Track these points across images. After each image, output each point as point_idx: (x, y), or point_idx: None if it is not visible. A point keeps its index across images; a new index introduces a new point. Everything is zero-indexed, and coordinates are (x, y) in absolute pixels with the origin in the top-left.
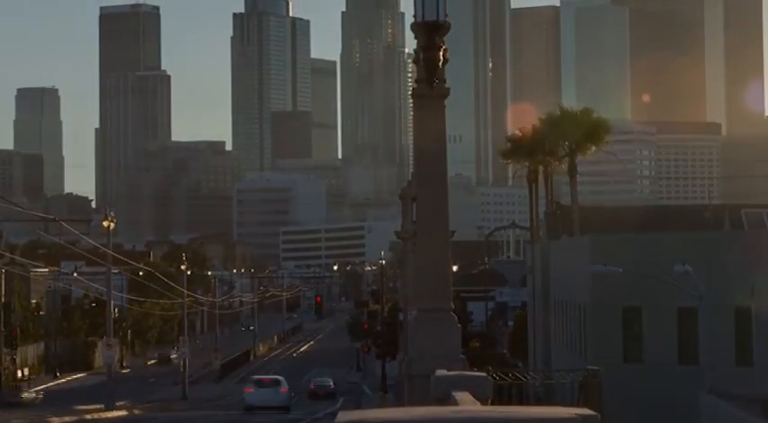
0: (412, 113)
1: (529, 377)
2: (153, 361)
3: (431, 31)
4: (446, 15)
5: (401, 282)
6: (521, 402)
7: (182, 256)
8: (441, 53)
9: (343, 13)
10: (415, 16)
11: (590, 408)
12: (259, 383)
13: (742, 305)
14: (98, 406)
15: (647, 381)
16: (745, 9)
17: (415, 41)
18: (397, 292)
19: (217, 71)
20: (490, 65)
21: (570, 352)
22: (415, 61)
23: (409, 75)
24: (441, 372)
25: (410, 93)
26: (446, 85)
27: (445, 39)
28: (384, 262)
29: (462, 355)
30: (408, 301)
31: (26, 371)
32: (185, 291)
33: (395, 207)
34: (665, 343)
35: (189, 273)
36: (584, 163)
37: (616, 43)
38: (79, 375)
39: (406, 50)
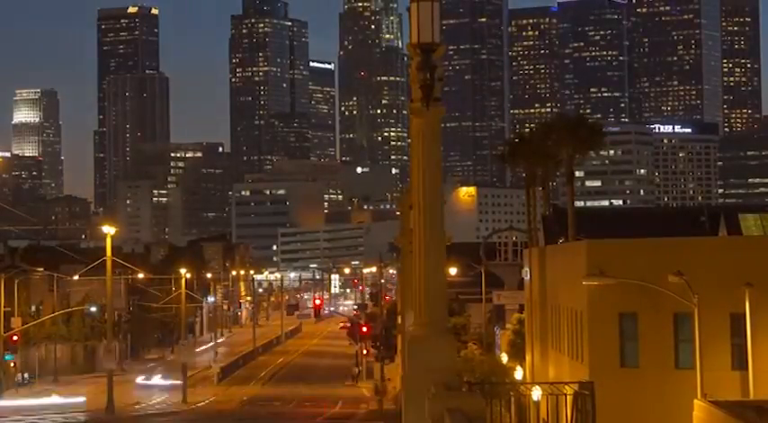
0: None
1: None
2: (152, 364)
3: (426, 51)
4: (442, 33)
5: (399, 285)
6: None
7: (180, 259)
8: (437, 72)
9: (341, 14)
10: (410, 36)
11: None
12: None
13: (737, 310)
14: None
15: (644, 386)
16: (742, 9)
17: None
18: (396, 294)
19: (215, 73)
20: (488, 66)
21: (567, 356)
22: (412, 79)
23: (407, 76)
24: (436, 389)
25: (408, 99)
26: (442, 105)
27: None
28: (383, 264)
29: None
30: (406, 306)
31: (26, 375)
32: (184, 293)
33: (394, 208)
34: (661, 348)
35: (188, 275)
36: (582, 164)
37: (613, 43)
38: (79, 378)
39: (404, 52)
